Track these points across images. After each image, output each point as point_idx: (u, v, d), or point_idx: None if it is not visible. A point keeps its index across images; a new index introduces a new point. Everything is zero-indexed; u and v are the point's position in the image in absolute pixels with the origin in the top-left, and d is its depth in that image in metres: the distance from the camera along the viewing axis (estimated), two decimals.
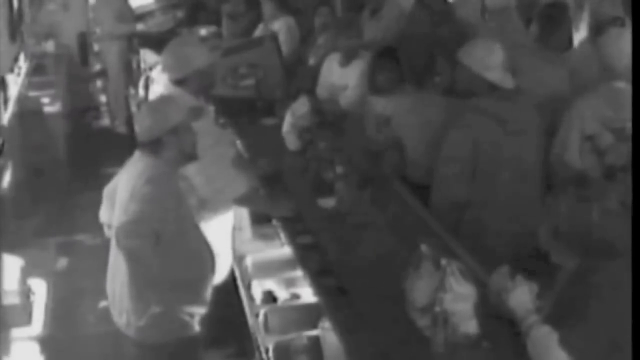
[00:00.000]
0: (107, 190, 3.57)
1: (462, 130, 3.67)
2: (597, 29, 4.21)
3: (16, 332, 4.93)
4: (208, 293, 3.45)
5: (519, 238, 3.52)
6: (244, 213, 4.52)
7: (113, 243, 3.34)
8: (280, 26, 6.66)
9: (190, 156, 3.40)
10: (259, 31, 6.87)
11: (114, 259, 3.38)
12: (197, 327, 3.41)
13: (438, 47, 4.65)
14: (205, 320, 3.46)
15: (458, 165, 3.63)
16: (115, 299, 3.40)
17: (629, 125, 3.52)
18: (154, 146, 3.29)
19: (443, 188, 3.71)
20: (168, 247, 3.17)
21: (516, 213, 3.66)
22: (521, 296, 2.58)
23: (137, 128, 3.37)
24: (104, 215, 3.59)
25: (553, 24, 4.48)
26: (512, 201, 3.67)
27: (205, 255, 3.44)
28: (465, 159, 3.62)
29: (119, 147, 8.27)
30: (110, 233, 3.51)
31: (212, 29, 8.06)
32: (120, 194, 3.31)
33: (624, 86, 3.59)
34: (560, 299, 2.54)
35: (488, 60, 3.66)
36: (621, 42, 3.77)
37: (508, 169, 3.65)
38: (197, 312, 3.40)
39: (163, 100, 3.70)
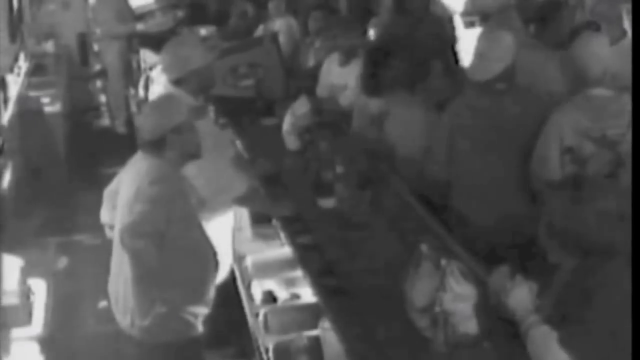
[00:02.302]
0: (108, 191, 3.56)
1: (444, 119, 3.98)
2: (570, 34, 4.21)
3: (16, 332, 4.93)
4: (211, 293, 3.45)
5: (499, 228, 3.73)
6: (244, 213, 4.52)
7: (116, 243, 3.34)
8: (281, 26, 6.66)
9: (194, 155, 3.39)
10: (259, 31, 6.88)
11: (117, 259, 3.38)
12: (200, 327, 3.41)
13: (420, 50, 4.67)
14: (205, 320, 3.46)
15: (437, 151, 3.96)
16: (119, 299, 3.39)
17: (609, 132, 3.53)
18: (156, 146, 3.28)
19: (427, 169, 4.00)
20: (172, 247, 3.17)
21: (493, 203, 3.80)
22: (521, 296, 2.58)
23: (140, 127, 3.36)
24: (105, 216, 3.59)
25: (546, 23, 4.48)
26: (488, 191, 3.82)
27: (208, 255, 3.44)
28: (443, 146, 3.94)
29: (119, 147, 8.27)
30: (111, 234, 3.51)
31: (212, 29, 8.06)
32: (124, 194, 3.31)
33: (601, 93, 3.58)
34: (560, 299, 2.54)
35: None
36: (593, 46, 3.75)
37: (487, 161, 3.82)
38: (201, 312, 3.40)
39: (166, 99, 3.69)
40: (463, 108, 3.94)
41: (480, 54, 3.86)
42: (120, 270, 3.34)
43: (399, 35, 5.24)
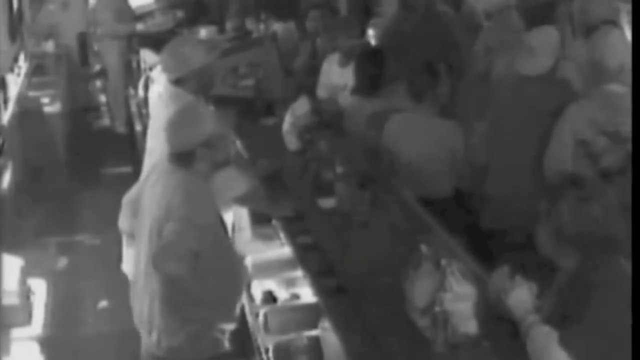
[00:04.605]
0: (127, 199, 3.47)
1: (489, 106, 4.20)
2: (587, 30, 4.22)
3: (16, 332, 4.94)
4: (238, 307, 3.36)
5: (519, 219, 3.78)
6: (244, 213, 4.51)
7: (140, 259, 3.24)
8: (277, 27, 6.68)
9: (224, 164, 3.28)
10: (259, 31, 6.89)
11: (145, 277, 3.22)
12: (227, 344, 3.31)
13: (427, 52, 4.66)
14: None
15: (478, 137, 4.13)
16: (144, 317, 3.25)
17: (623, 128, 3.53)
18: (186, 158, 3.15)
19: (469, 153, 4.13)
20: (205, 264, 3.04)
21: (522, 191, 3.90)
22: (520, 296, 2.58)
23: (168, 140, 3.19)
24: (123, 223, 3.50)
25: (536, 25, 4.49)
26: (520, 178, 3.93)
27: (238, 269, 3.37)
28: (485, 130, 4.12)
29: (119, 147, 8.32)
30: (130, 242, 3.44)
31: (212, 29, 8.07)
32: (152, 208, 3.18)
33: (617, 89, 3.59)
34: (560, 298, 2.54)
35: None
36: (612, 39, 3.77)
37: (525, 148, 3.94)
38: (228, 328, 3.30)
39: (192, 111, 3.44)
40: (511, 93, 4.02)
41: (532, 50, 3.91)
42: (146, 288, 3.21)
43: (402, 33, 5.24)
